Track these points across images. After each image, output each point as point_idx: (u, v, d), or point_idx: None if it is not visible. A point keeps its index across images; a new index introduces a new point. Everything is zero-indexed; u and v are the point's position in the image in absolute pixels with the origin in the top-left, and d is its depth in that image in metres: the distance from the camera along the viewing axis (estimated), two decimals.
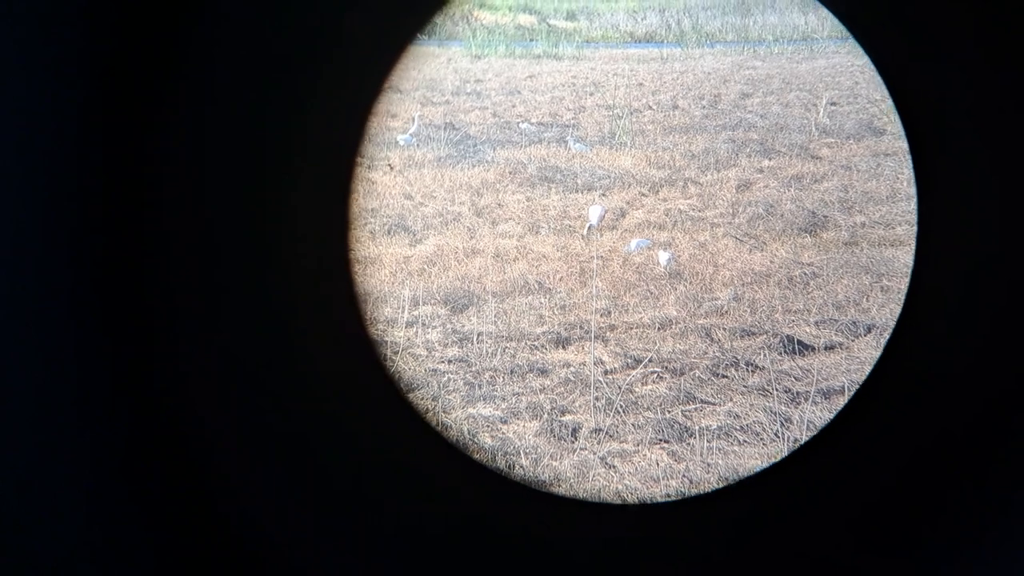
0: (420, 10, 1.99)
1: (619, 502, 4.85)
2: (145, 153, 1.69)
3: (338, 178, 1.94)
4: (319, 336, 1.97)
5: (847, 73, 15.80)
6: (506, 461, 5.54)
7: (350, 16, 1.87)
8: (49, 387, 1.59)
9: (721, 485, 5.11)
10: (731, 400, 6.14)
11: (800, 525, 2.01)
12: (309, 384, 1.94)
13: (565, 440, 5.75)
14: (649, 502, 4.58)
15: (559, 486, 5.26)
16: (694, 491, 5.16)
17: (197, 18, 1.69)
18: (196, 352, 1.79)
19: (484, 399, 6.18)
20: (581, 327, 7.10)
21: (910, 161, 2.06)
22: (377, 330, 7.00)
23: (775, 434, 5.75)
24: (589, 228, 9.08)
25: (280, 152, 1.86)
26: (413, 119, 12.95)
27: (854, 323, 7.10)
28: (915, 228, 2.06)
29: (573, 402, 6.14)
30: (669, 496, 5.06)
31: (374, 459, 2.02)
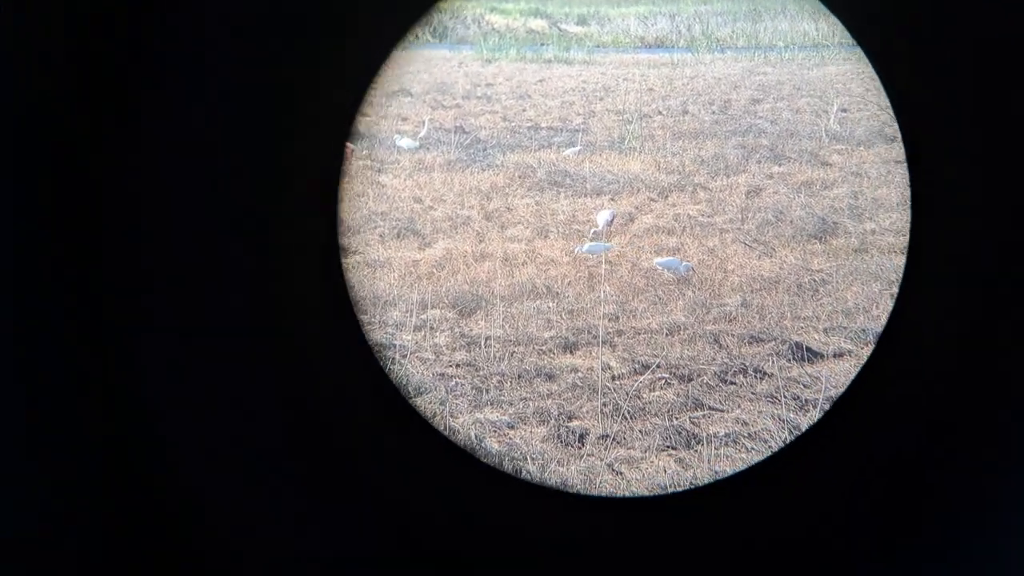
0: (409, 10, 1.99)
1: (609, 495, 4.85)
2: (135, 154, 1.70)
3: (326, 180, 1.94)
4: (309, 335, 1.97)
5: (858, 80, 15.75)
6: (513, 466, 5.53)
7: (339, 15, 1.87)
8: (28, 395, 1.59)
9: (711, 480, 5.11)
10: (739, 407, 6.12)
11: (787, 522, 2.02)
12: (300, 384, 1.94)
13: (572, 446, 5.74)
14: (639, 496, 4.58)
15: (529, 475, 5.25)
16: (682, 487, 5.16)
17: (186, 15, 1.70)
18: (183, 358, 1.80)
19: (491, 404, 6.18)
20: (589, 332, 7.10)
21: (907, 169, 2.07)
22: (368, 326, 7.00)
23: (784, 441, 5.73)
24: (594, 233, 9.07)
25: (268, 152, 1.86)
26: (424, 123, 12.97)
27: (863, 330, 7.07)
28: (908, 236, 2.08)
29: (580, 407, 6.13)
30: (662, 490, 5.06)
31: (371, 458, 2.02)
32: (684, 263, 8.24)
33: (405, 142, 12.06)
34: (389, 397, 2.05)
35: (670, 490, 5.07)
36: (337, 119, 1.90)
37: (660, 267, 8.16)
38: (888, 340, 2.06)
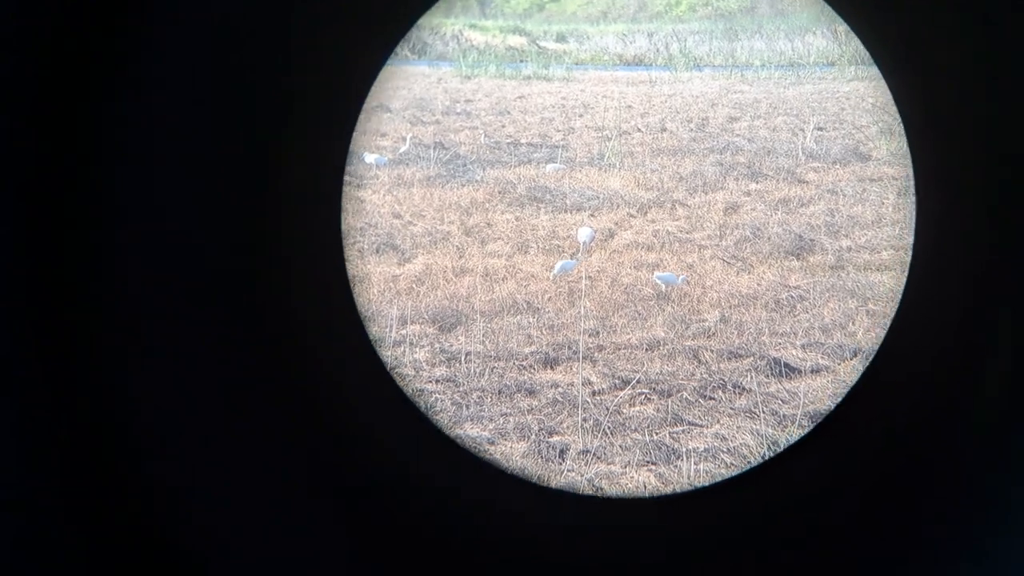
0: (400, 22, 2.02)
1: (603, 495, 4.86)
2: (138, 169, 1.70)
3: (327, 191, 1.96)
4: (318, 341, 1.98)
5: (833, 99, 15.95)
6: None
7: (333, 29, 1.89)
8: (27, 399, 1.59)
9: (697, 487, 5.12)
10: (718, 422, 6.16)
11: (775, 531, 2.03)
12: (306, 387, 1.95)
13: (553, 461, 5.74)
14: (635, 496, 4.59)
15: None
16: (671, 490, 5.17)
17: (179, 28, 1.71)
18: (185, 363, 1.80)
19: (472, 419, 6.17)
20: (569, 347, 7.11)
21: (912, 185, 2.10)
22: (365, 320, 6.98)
23: (762, 457, 5.76)
24: (580, 250, 9.10)
25: (269, 163, 1.87)
26: (405, 139, 12.97)
27: (840, 347, 7.14)
28: (909, 253, 2.09)
29: (561, 423, 6.14)
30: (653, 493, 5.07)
31: (375, 457, 2.02)
32: (665, 274, 8.31)
33: (372, 158, 12.02)
34: (393, 396, 2.05)
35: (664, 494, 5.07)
36: (336, 129, 1.92)
37: (659, 281, 8.21)
38: (885, 355, 2.08)
